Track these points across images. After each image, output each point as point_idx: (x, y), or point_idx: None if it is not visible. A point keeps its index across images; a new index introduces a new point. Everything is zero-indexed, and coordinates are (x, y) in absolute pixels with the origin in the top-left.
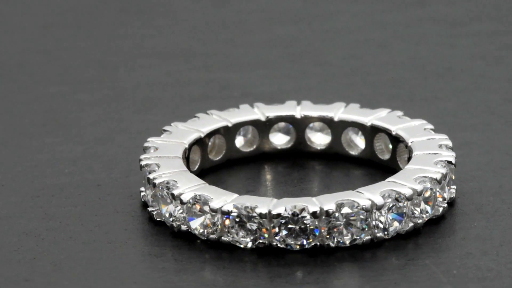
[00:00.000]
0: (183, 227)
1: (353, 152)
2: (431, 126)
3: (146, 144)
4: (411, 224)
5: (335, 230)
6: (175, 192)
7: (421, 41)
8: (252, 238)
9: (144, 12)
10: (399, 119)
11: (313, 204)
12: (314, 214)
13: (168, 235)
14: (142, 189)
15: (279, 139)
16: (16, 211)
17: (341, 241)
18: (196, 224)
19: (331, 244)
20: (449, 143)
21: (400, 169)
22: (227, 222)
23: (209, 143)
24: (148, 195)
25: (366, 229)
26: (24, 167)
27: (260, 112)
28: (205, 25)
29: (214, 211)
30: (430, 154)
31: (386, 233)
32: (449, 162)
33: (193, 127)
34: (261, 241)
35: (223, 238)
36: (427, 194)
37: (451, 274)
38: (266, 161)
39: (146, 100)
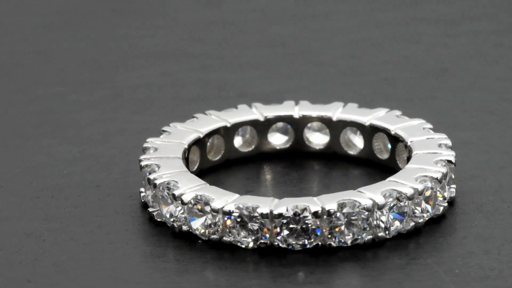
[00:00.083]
0: (184, 228)
1: (352, 152)
2: (430, 126)
3: (145, 145)
4: (412, 224)
5: (336, 229)
6: (176, 192)
7: (416, 40)
8: (253, 238)
9: (141, 12)
10: (397, 119)
11: (314, 204)
12: (315, 214)
13: (169, 235)
14: (142, 189)
15: (278, 139)
16: (16, 212)
17: (343, 240)
18: (197, 225)
19: (333, 244)
20: (449, 142)
21: (399, 168)
22: (228, 222)
23: (208, 144)
24: (148, 196)
25: (368, 228)
26: (22, 168)
27: (259, 112)
28: (200, 25)
29: (215, 211)
30: (430, 153)
31: (387, 232)
32: (449, 162)
33: (192, 128)
34: (262, 241)
35: (224, 238)
36: (428, 193)
37: (453, 273)
38: (264, 161)
39: (143, 100)
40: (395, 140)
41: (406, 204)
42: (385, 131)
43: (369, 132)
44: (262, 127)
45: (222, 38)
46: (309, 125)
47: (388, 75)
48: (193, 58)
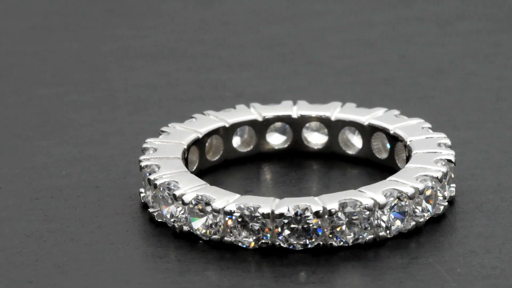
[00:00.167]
0: (185, 228)
1: (350, 152)
2: (429, 125)
3: (145, 145)
4: (412, 223)
5: (337, 229)
6: (177, 193)
7: (413, 40)
8: (254, 238)
9: (140, 13)
10: (396, 118)
11: (316, 203)
12: (317, 214)
13: (169, 236)
14: (142, 190)
15: (276, 139)
16: (16, 213)
17: (344, 240)
18: (198, 225)
19: (334, 244)
20: (448, 142)
21: (398, 168)
22: (229, 222)
23: (206, 144)
24: (148, 196)
25: (369, 228)
26: (21, 169)
27: (257, 112)
28: (198, 26)
29: (216, 211)
30: (429, 152)
31: (388, 232)
32: (449, 161)
33: (191, 128)
34: (264, 241)
35: (225, 238)
36: (428, 192)
37: (455, 272)
38: (263, 161)
39: (140, 101)
40: (394, 139)
41: (407, 203)
42: (384, 131)
43: (368, 131)
44: (260, 127)
45: (219, 38)
46: (307, 125)
47: (384, 75)
48: (190, 59)
